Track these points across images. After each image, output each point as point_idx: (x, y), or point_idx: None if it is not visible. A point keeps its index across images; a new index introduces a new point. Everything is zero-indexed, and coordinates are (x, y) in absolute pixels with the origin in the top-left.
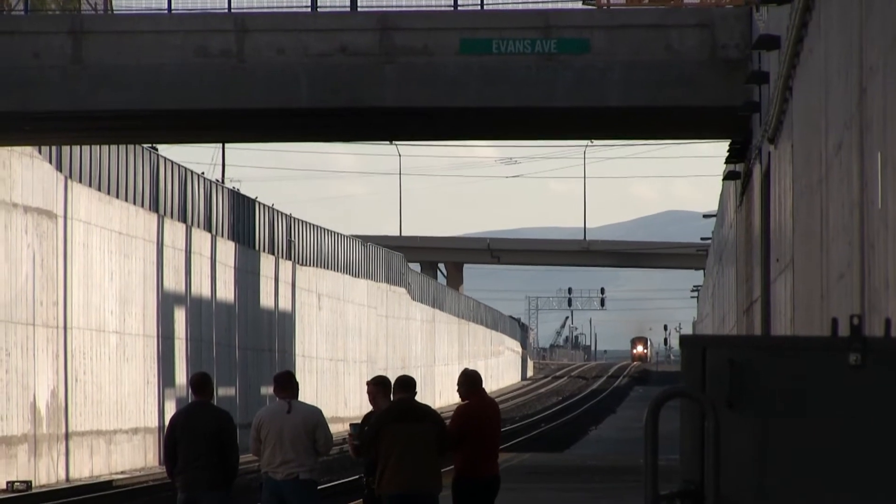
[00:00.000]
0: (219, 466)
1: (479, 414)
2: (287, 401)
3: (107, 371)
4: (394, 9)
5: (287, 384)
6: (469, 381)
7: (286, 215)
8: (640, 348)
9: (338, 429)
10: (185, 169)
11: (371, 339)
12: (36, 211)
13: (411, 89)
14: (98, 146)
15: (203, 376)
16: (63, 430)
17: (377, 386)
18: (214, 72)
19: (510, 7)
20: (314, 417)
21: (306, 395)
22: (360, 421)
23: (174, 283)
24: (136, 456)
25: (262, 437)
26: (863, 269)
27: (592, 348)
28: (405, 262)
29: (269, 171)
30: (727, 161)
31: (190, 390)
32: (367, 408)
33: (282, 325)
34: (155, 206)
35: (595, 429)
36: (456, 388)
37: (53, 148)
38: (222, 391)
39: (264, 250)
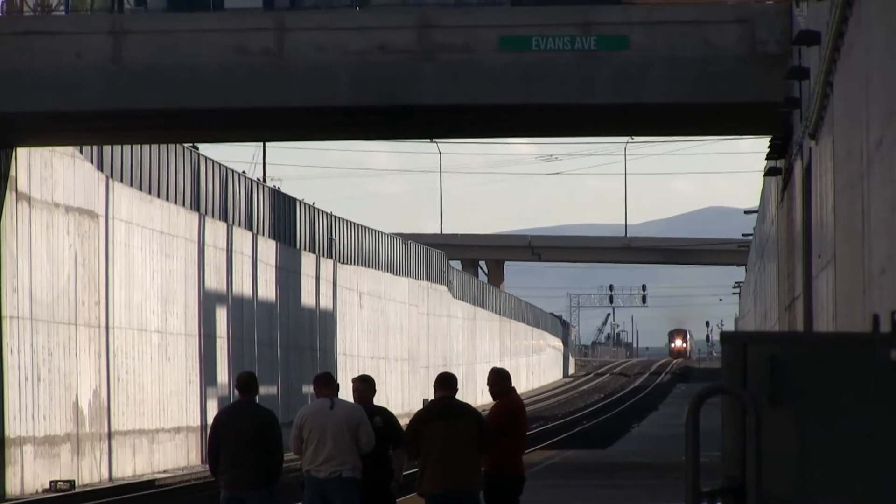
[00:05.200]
0: (262, 465)
1: (513, 411)
2: (329, 398)
3: (149, 370)
4: (433, 6)
5: (328, 383)
6: (502, 380)
7: (327, 213)
8: (678, 342)
9: None
10: (226, 168)
11: (412, 337)
12: (77, 211)
13: (451, 87)
14: (139, 145)
15: (249, 376)
16: (105, 430)
17: (364, 383)
18: (254, 70)
19: (549, 4)
20: (356, 415)
21: (348, 394)
22: None
23: (215, 282)
24: (179, 455)
25: (305, 436)
26: None
27: (634, 345)
28: (446, 260)
29: (307, 169)
30: (768, 157)
31: (234, 389)
32: (409, 406)
33: (323, 324)
34: (196, 205)
35: (637, 426)
36: (487, 386)
37: (94, 148)
38: (264, 390)
39: (305, 249)
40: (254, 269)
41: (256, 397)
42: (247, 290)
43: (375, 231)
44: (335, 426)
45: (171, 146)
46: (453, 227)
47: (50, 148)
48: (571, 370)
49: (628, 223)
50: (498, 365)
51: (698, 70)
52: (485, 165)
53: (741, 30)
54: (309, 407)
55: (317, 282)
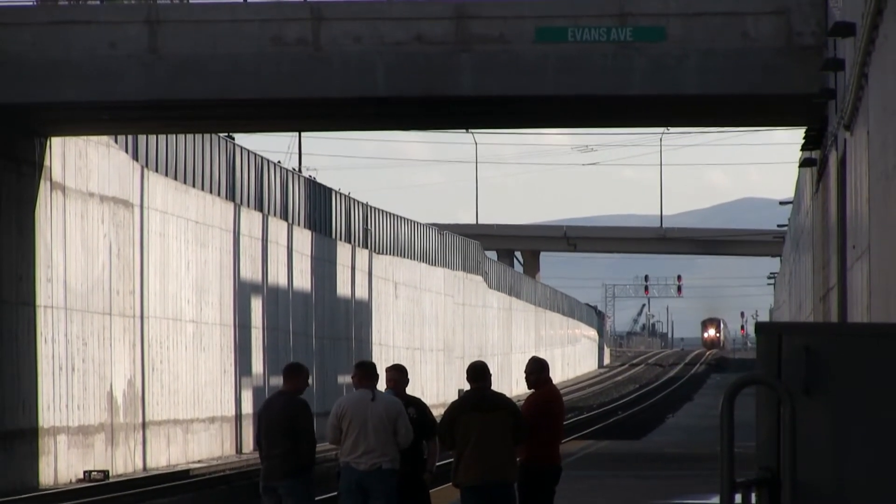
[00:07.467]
0: (293, 455)
1: (549, 401)
2: (371, 389)
3: (183, 360)
4: None
5: (372, 374)
6: (540, 369)
7: (363, 204)
8: (711, 332)
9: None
10: (262, 158)
11: (448, 327)
12: (112, 200)
13: (488, 78)
14: (174, 135)
15: (292, 366)
16: (140, 420)
17: (398, 372)
18: (291, 60)
19: None
20: (396, 407)
21: (380, 384)
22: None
23: (251, 271)
24: (213, 445)
25: (344, 426)
26: None
27: (669, 336)
28: (482, 250)
29: (343, 159)
30: (803, 148)
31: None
32: (444, 396)
33: (359, 314)
34: (231, 195)
35: (672, 416)
36: (525, 375)
37: (129, 137)
38: None
39: (341, 239)
40: (289, 259)
41: (304, 387)
42: (282, 280)
43: (411, 221)
44: (376, 418)
45: (207, 136)
46: (489, 217)
47: (84, 137)
48: (606, 360)
49: (664, 214)
50: (534, 354)
51: (734, 61)
52: (521, 156)
53: (777, 21)
54: (350, 397)
55: (352, 272)
